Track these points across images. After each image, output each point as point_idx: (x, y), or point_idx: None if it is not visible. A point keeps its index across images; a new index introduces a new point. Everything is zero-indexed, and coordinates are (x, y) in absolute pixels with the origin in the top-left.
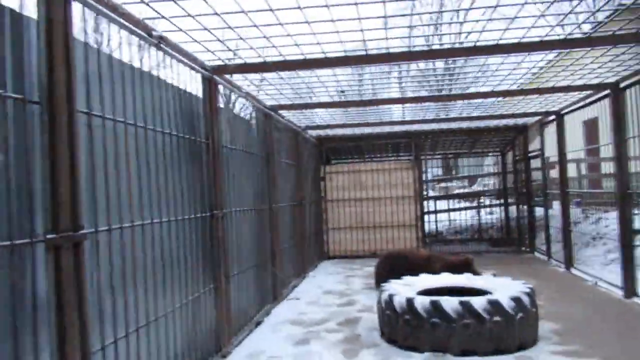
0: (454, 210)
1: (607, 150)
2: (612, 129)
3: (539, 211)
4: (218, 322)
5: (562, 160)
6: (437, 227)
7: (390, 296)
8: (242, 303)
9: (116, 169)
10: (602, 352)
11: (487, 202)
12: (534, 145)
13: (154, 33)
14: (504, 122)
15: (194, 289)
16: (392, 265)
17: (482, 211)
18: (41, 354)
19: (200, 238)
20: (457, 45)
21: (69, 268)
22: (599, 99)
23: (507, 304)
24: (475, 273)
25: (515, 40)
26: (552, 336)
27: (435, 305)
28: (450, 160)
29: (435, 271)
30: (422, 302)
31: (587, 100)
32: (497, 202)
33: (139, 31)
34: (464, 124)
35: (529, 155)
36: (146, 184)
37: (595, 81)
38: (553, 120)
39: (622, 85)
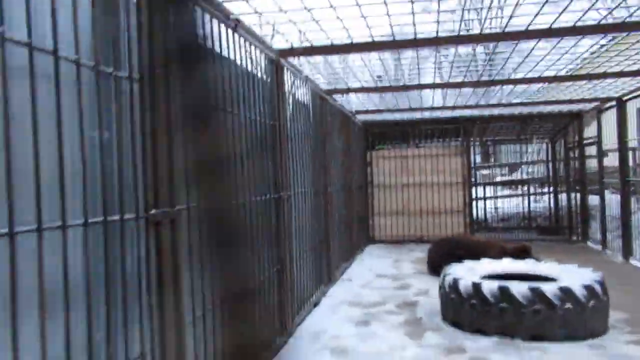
0: (502, 197)
1: None
2: None
3: (592, 200)
4: (283, 302)
5: (623, 148)
6: (485, 214)
7: (455, 280)
8: (302, 284)
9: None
10: None
11: (535, 190)
12: (589, 132)
13: (231, 16)
14: (556, 108)
15: (264, 268)
16: (447, 250)
17: (529, 199)
18: (144, 321)
19: (268, 219)
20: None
21: (167, 243)
22: None
23: (578, 291)
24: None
25: (569, 24)
26: (623, 325)
27: (504, 290)
28: (490, 147)
29: (491, 257)
30: (489, 287)
31: None
32: (546, 190)
33: (218, 13)
34: (516, 110)
35: (584, 142)
36: (233, 165)
37: None
38: (612, 106)
39: None
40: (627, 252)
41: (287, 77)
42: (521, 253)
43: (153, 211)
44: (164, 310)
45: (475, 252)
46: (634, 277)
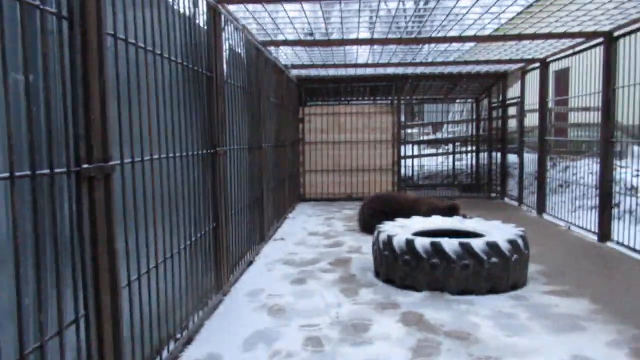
0: (428, 155)
1: (576, 101)
2: (603, 79)
3: (511, 159)
4: (218, 260)
5: (543, 109)
6: (412, 172)
7: (389, 237)
8: (237, 242)
9: (138, 100)
10: (590, 291)
11: (459, 148)
12: (512, 92)
13: None
14: (484, 68)
15: (199, 227)
16: (378, 208)
17: (452, 157)
18: (77, 284)
19: (203, 175)
20: None
21: (100, 200)
22: (591, 47)
23: (504, 246)
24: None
25: None
26: (540, 277)
27: (436, 246)
28: (415, 106)
29: (422, 214)
30: (422, 243)
31: (578, 49)
32: (469, 148)
33: None
34: (446, 69)
35: (507, 102)
36: (162, 116)
37: (582, 29)
38: (536, 67)
39: (616, 34)
40: (541, 207)
41: (225, 25)
42: (450, 210)
43: (86, 165)
44: (99, 273)
45: (406, 210)
46: (547, 231)
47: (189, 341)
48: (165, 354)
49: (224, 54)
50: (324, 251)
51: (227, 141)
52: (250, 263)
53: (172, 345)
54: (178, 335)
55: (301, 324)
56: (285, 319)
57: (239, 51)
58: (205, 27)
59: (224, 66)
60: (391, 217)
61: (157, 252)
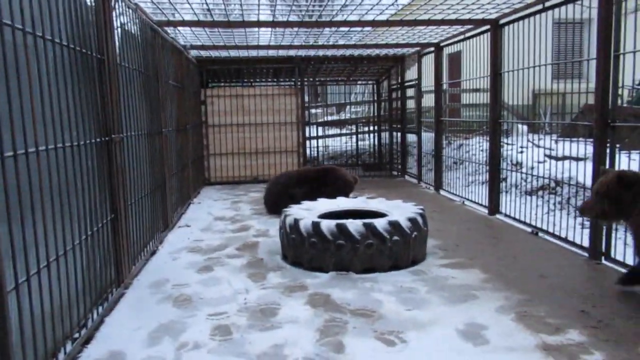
0: (332, 136)
1: (467, 83)
2: (490, 63)
3: (410, 138)
4: (118, 252)
5: (438, 90)
6: (317, 153)
7: (296, 220)
8: (138, 232)
9: (18, 88)
10: (481, 262)
11: (361, 128)
12: (410, 75)
13: None
14: (383, 51)
15: (95, 220)
16: (281, 187)
17: (355, 138)
18: None
19: (97, 165)
20: None
21: None
22: (480, 34)
23: (405, 224)
24: (340, 179)
25: None
26: (437, 251)
27: (341, 228)
28: (318, 87)
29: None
30: (328, 225)
31: (468, 34)
32: (371, 128)
33: None
34: (348, 52)
35: (405, 84)
36: (48, 105)
37: (471, 16)
38: (431, 51)
39: (501, 22)
40: (438, 184)
41: (115, 3)
42: (322, 172)
43: None
44: None
45: (304, 180)
46: (444, 207)
47: (88, 340)
48: (61, 356)
49: (116, 35)
50: (231, 236)
51: (123, 128)
52: (153, 253)
53: (69, 346)
54: (76, 335)
55: (209, 313)
56: (192, 310)
57: (134, 32)
58: (94, 5)
59: (117, 48)
60: (298, 192)
61: (48, 249)
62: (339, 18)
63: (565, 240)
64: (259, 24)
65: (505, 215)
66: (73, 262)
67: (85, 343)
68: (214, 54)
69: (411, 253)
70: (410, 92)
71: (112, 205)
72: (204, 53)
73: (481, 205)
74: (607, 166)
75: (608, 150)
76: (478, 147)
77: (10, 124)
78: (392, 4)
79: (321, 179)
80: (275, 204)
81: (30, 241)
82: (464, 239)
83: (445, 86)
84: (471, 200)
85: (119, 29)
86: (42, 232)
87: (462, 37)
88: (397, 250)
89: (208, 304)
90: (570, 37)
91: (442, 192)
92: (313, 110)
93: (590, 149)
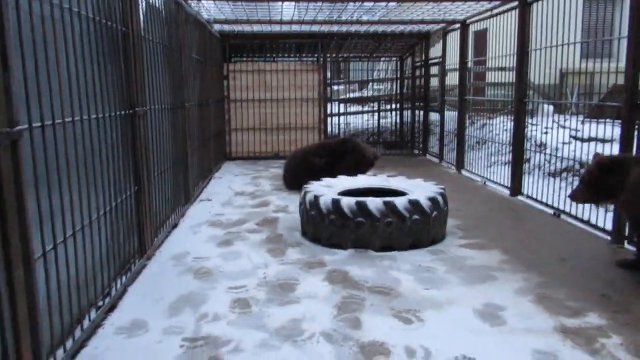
0: (354, 113)
1: (493, 61)
2: (517, 41)
3: (433, 117)
4: (141, 224)
5: (463, 68)
6: (338, 130)
7: (316, 197)
8: (161, 205)
9: (46, 59)
10: (501, 243)
11: (383, 106)
12: (434, 52)
13: None
14: (408, 28)
15: (119, 192)
16: (301, 157)
17: (377, 115)
18: None
19: (122, 138)
20: None
21: (7, 168)
22: (507, 11)
23: (425, 203)
24: (357, 149)
25: None
26: (457, 231)
27: (361, 206)
28: (341, 64)
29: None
30: (347, 203)
31: (495, 11)
32: (393, 106)
33: None
34: (372, 28)
35: (429, 61)
36: (74, 77)
37: None
38: (456, 28)
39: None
40: (460, 164)
41: None
42: (341, 142)
43: None
44: (10, 245)
45: (323, 151)
46: (465, 187)
47: (111, 308)
48: (86, 322)
49: (141, 8)
50: (250, 211)
51: (147, 101)
52: (175, 226)
53: (93, 314)
54: (100, 303)
55: (228, 286)
56: (212, 282)
57: (157, 5)
58: None
59: (141, 21)
60: (318, 163)
61: (74, 219)
62: None
63: (587, 223)
64: None
65: (527, 196)
66: (98, 232)
67: (109, 311)
68: (237, 28)
69: (431, 232)
70: (434, 70)
71: (136, 178)
72: (227, 27)
73: (503, 186)
74: (635, 148)
75: (636, 132)
76: (502, 126)
77: (38, 95)
78: None
79: (340, 150)
80: (294, 177)
81: (56, 210)
82: (484, 220)
83: (470, 64)
84: (493, 181)
85: (143, 2)
86: (68, 201)
87: (489, 14)
88: (416, 229)
89: (228, 277)
90: (602, 14)
91: (463, 172)
92: (335, 87)
93: (617, 131)
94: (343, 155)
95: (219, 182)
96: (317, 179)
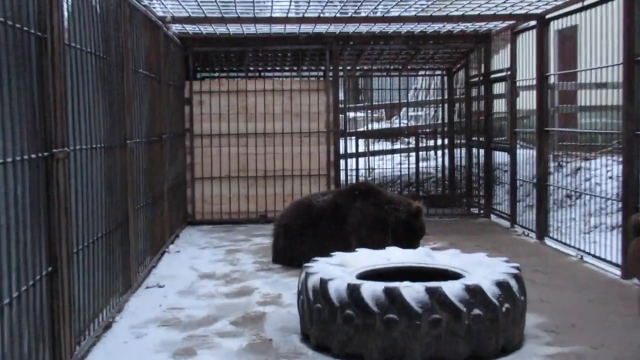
0: (382, 153)
1: (587, 75)
2: (624, 44)
3: (499, 156)
4: (55, 328)
5: (543, 85)
6: (357, 179)
7: (323, 282)
8: (87, 295)
9: None
10: (612, 353)
11: (424, 142)
12: (499, 62)
13: None
14: (459, 27)
15: (23, 275)
16: (301, 222)
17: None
18: None
19: (31, 193)
20: None
21: None
22: (607, 0)
23: (491, 291)
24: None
25: None
26: (541, 334)
27: (392, 295)
28: (360, 80)
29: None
30: (371, 290)
31: (587, 2)
32: (439, 142)
33: None
34: (404, 27)
35: (491, 76)
36: None
37: None
38: (532, 27)
39: None
40: (542, 228)
41: None
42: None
43: None
44: None
45: (339, 219)
46: (551, 264)
47: None
48: None
49: (65, 3)
50: (224, 303)
51: (70, 138)
52: (107, 327)
53: None
54: None
55: None
56: None
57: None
58: None
59: (65, 22)
60: (320, 234)
61: None
62: None
63: None
64: None
65: None
66: None
67: None
68: (205, 29)
69: (500, 336)
70: (499, 87)
71: (50, 254)
72: (190, 29)
73: (610, 263)
74: None
75: None
76: (605, 172)
77: None
78: None
79: (355, 205)
80: (290, 249)
81: None
82: (583, 316)
83: (553, 79)
84: (594, 256)
85: None
86: None
87: (579, 4)
88: (478, 332)
89: None
90: None
91: (547, 242)
92: (351, 114)
93: None
94: (362, 214)
95: (177, 259)
96: (325, 243)
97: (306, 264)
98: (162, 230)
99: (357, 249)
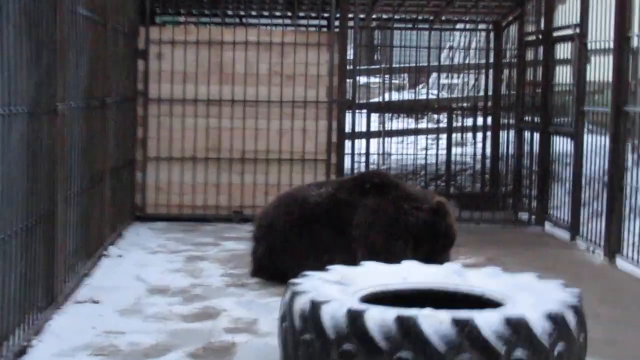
0: (402, 133)
1: None
2: None
3: (560, 144)
4: None
5: (624, 49)
6: (367, 166)
7: (315, 305)
8: None
9: None
10: None
11: (458, 121)
12: (563, 16)
13: None
14: None
15: None
16: (290, 224)
17: (446, 140)
18: None
19: None
20: None
21: None
22: None
23: (540, 326)
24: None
25: None
26: None
27: (407, 326)
28: (375, 33)
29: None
30: (379, 319)
31: None
32: (479, 122)
33: None
34: None
35: (553, 34)
36: None
37: None
38: None
39: None
40: (614, 244)
41: None
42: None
43: None
44: None
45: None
46: (622, 292)
47: None
48: None
49: None
50: (180, 329)
51: None
52: (21, 352)
53: None
54: None
55: None
56: None
57: None
58: None
59: None
60: (314, 240)
61: None
62: None
63: None
64: None
65: None
66: None
67: None
68: None
69: None
70: (563, 50)
71: None
72: None
73: None
74: None
75: None
76: None
77: None
78: None
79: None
80: (273, 258)
81: None
82: None
83: (637, 41)
84: None
85: None
86: None
87: None
88: None
89: None
90: None
91: (620, 262)
92: (363, 79)
93: None
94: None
95: (118, 266)
96: (321, 253)
97: (293, 280)
98: (100, 227)
99: (364, 262)
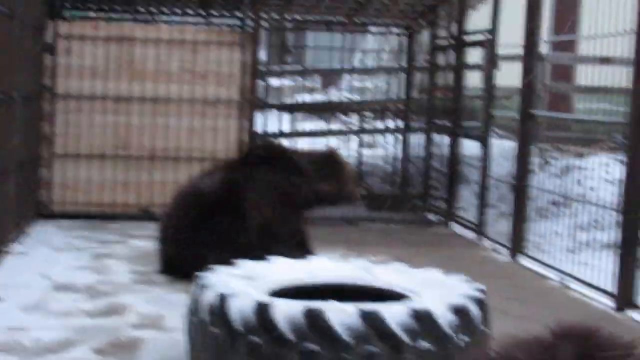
0: (313, 135)
1: (590, 45)
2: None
3: (469, 147)
4: None
5: (531, 55)
6: None
7: (223, 298)
8: None
9: None
10: None
11: (370, 123)
12: (475, 21)
13: None
14: None
15: None
16: (195, 220)
17: (358, 142)
18: None
19: None
20: None
21: None
22: None
23: (444, 318)
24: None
25: None
26: None
27: (315, 318)
28: (289, 34)
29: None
30: (287, 312)
31: None
32: (391, 125)
33: None
34: None
35: (464, 39)
36: None
37: None
38: None
39: None
40: (518, 244)
41: None
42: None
43: None
44: None
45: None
46: (526, 290)
47: None
48: None
49: None
50: (85, 324)
51: None
52: None
53: None
54: None
55: None
56: None
57: None
58: None
59: None
60: (217, 231)
61: None
62: None
63: None
64: None
65: None
66: None
67: None
68: None
69: None
70: (473, 55)
71: None
72: None
73: (602, 291)
74: None
75: None
76: (602, 173)
77: None
78: None
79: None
80: (180, 254)
81: None
82: None
83: (545, 48)
84: (582, 281)
85: None
86: None
87: None
88: None
89: None
90: None
91: (523, 261)
92: (275, 81)
93: None
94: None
95: (22, 263)
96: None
97: (200, 274)
98: (2, 223)
99: (272, 257)
